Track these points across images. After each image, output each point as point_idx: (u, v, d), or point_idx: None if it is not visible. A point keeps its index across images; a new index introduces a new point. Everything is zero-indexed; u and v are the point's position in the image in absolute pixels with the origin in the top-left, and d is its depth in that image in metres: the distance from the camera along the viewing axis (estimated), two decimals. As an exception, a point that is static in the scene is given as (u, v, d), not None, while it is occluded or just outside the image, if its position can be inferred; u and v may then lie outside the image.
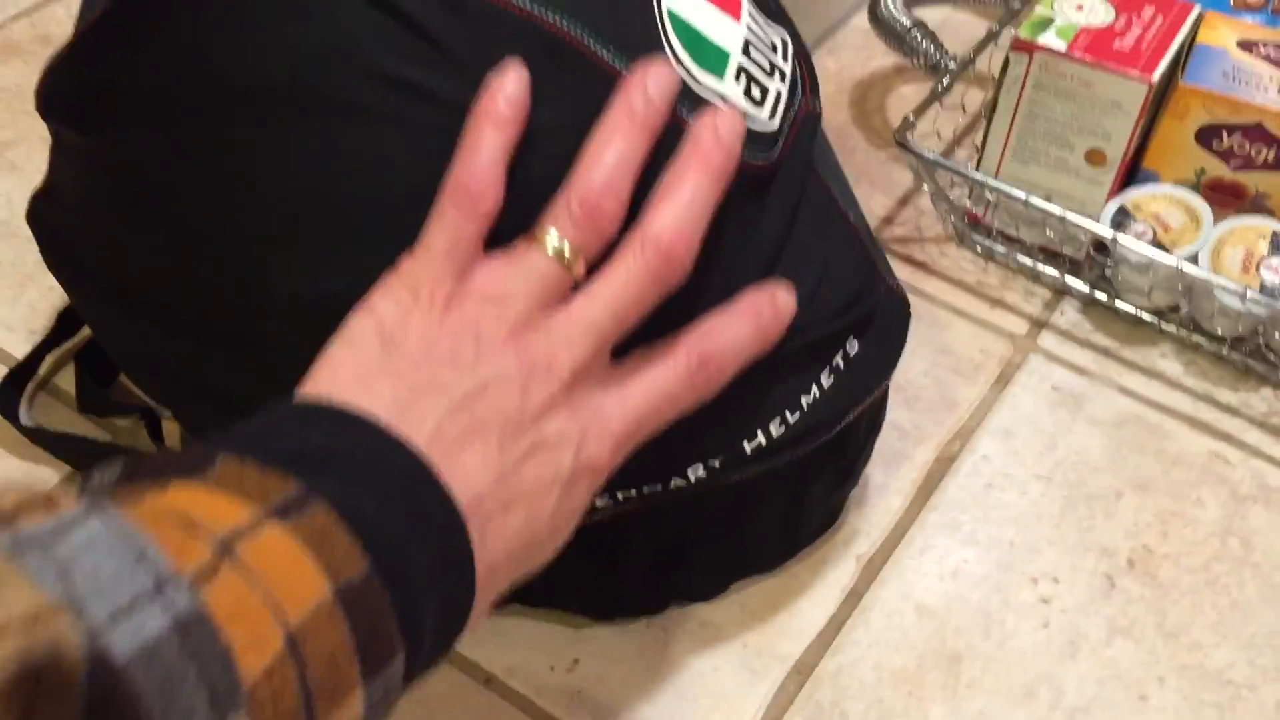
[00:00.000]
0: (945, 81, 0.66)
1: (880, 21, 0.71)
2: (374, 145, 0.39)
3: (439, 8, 0.38)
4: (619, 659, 0.51)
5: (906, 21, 0.70)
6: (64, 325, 0.58)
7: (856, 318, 0.46)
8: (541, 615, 0.51)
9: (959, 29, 0.81)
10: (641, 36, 0.40)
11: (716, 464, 0.44)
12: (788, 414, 0.45)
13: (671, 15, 0.41)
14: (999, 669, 0.51)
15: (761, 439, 0.45)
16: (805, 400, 0.45)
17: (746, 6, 0.44)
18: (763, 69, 0.43)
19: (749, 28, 0.44)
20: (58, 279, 0.50)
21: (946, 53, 0.69)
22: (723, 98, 0.41)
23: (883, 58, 0.78)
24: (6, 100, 0.72)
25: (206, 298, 0.43)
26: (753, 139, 0.42)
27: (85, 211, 0.46)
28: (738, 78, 0.42)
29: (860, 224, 0.49)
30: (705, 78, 0.41)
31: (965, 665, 0.51)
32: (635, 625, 0.51)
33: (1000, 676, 0.51)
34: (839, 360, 0.46)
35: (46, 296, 0.62)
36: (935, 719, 0.50)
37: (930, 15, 0.79)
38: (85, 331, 0.59)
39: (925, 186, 0.67)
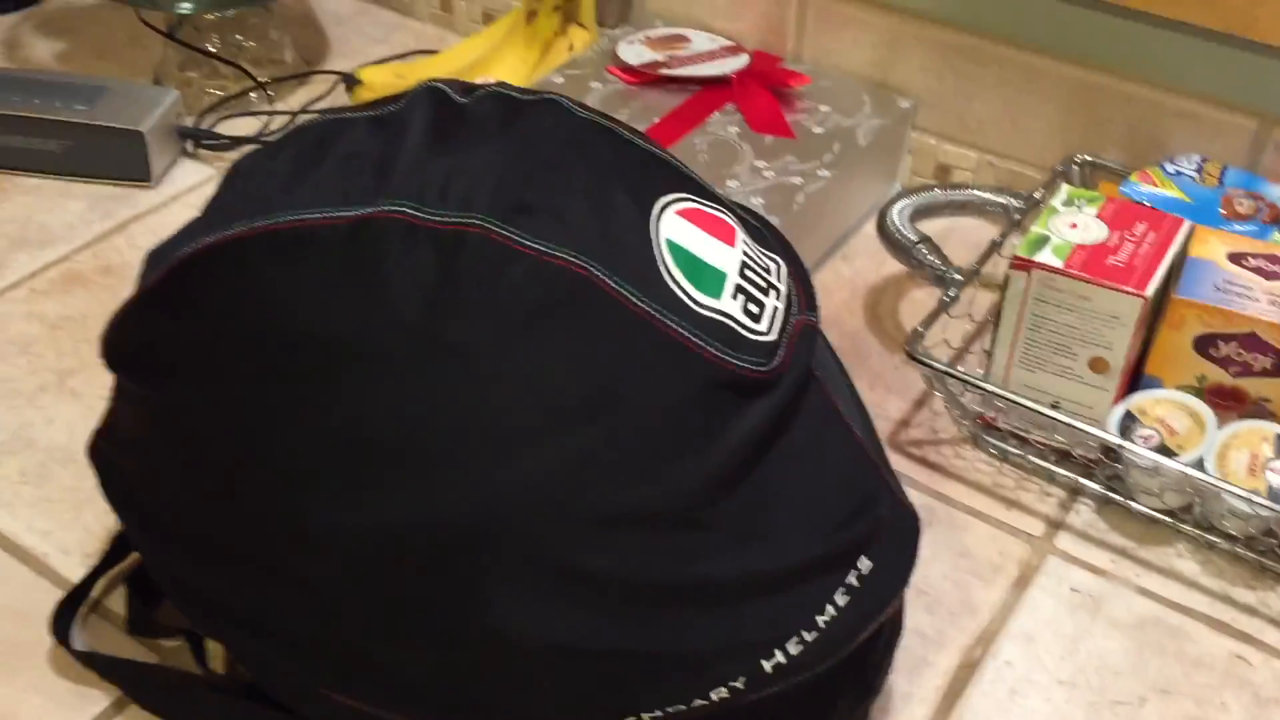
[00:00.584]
0: (951, 294, 0.69)
1: (887, 236, 0.75)
2: (402, 390, 0.43)
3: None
4: None
5: (912, 236, 0.74)
6: (117, 549, 0.61)
7: (865, 532, 0.48)
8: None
9: (966, 233, 0.85)
10: (644, 267, 0.44)
11: (740, 684, 0.46)
12: (804, 633, 0.46)
13: (670, 244, 0.45)
14: None
15: (781, 657, 0.46)
16: (821, 620, 0.47)
17: (741, 234, 0.48)
18: (759, 286, 0.47)
19: (744, 252, 0.47)
20: (112, 508, 0.54)
21: (951, 265, 0.72)
22: (722, 314, 0.45)
23: (894, 264, 0.82)
24: (70, 329, 0.77)
25: (247, 532, 0.46)
26: (752, 348, 0.45)
27: (137, 449, 0.50)
28: (735, 295, 0.46)
29: (868, 440, 0.51)
30: (703, 299, 0.45)
31: None
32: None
33: None
34: (852, 579, 0.48)
35: (101, 520, 0.65)
36: None
37: (936, 225, 0.83)
38: (135, 555, 0.62)
39: (937, 390, 0.69)
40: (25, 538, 0.64)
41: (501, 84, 0.49)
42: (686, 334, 0.44)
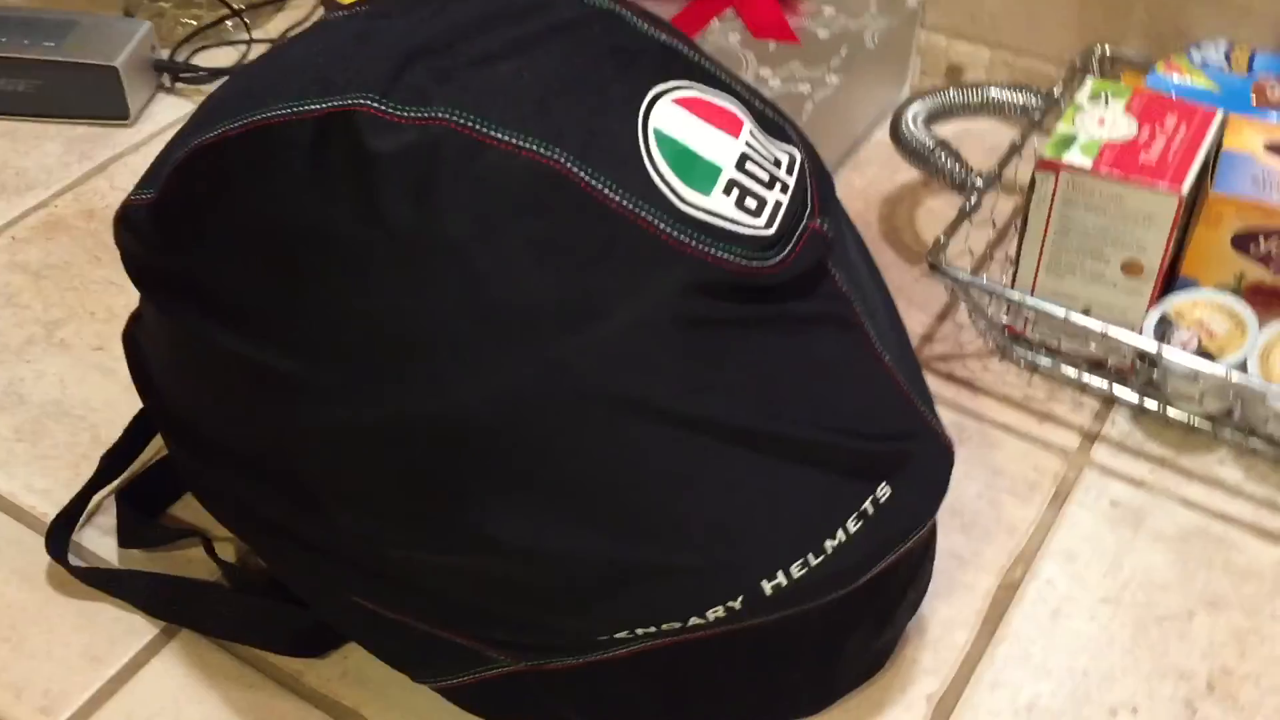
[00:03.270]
0: (973, 200, 0.66)
1: (902, 142, 0.72)
2: (368, 282, 0.41)
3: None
4: (692, 823, 0.50)
5: (929, 141, 0.70)
6: (107, 468, 0.60)
7: (887, 457, 0.46)
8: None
9: (982, 137, 0.81)
10: (628, 161, 0.41)
11: (737, 605, 0.44)
12: (811, 556, 0.44)
13: (658, 134, 0.42)
14: (1084, 810, 0.50)
15: (782, 578, 0.44)
16: (830, 544, 0.44)
17: (749, 124, 0.45)
18: (760, 181, 0.44)
19: (748, 144, 0.44)
20: (139, 393, 0.54)
21: (971, 170, 0.69)
22: (711, 211, 0.42)
23: (908, 171, 0.79)
24: (55, 278, 0.73)
25: (254, 435, 0.46)
26: (746, 243, 0.42)
27: (155, 346, 0.51)
28: (727, 191, 0.42)
29: (902, 368, 0.48)
30: (690, 195, 0.42)
31: (1049, 808, 0.50)
32: (706, 785, 0.50)
33: (1086, 818, 0.50)
34: (868, 505, 0.45)
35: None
36: None
37: (951, 128, 0.80)
38: (125, 473, 0.61)
39: (961, 301, 0.66)
40: (24, 498, 0.62)
41: None
42: (669, 231, 0.41)
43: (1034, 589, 0.57)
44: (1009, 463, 0.63)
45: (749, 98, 0.46)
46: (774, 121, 0.47)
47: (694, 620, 0.44)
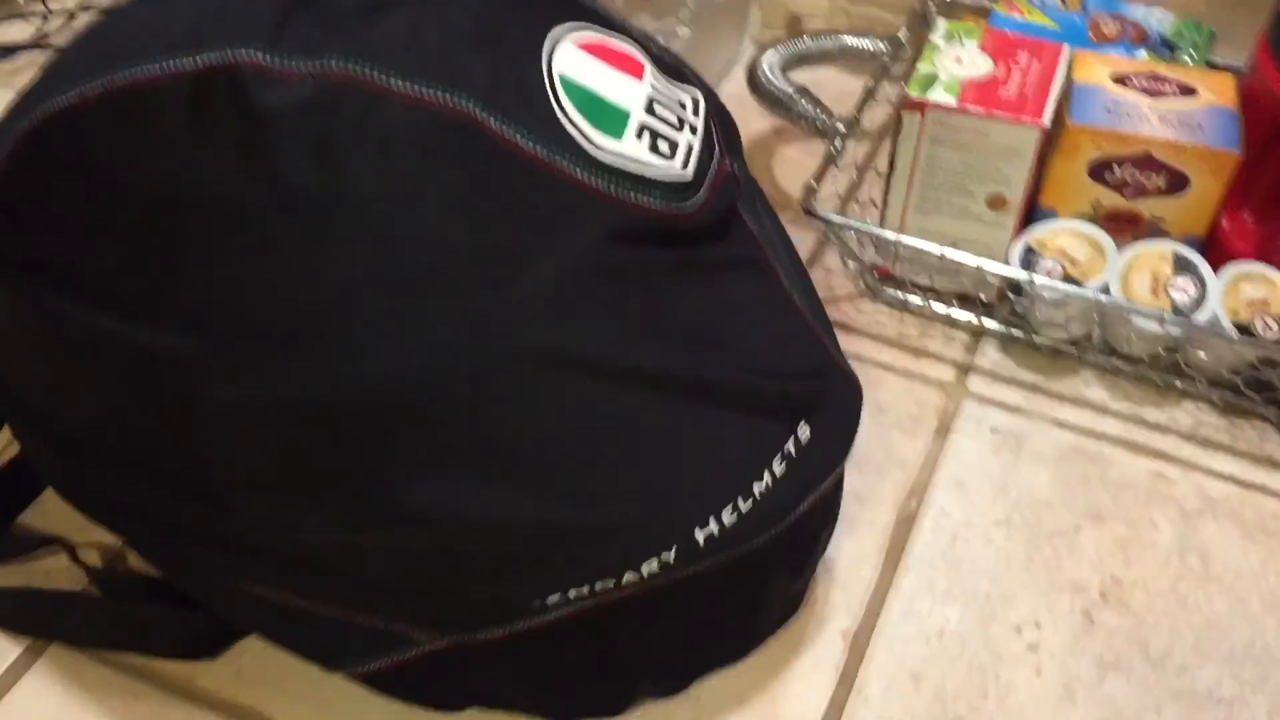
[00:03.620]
0: (839, 144, 0.66)
1: (761, 90, 0.72)
2: (268, 250, 0.38)
3: None
4: (628, 784, 0.49)
5: (789, 89, 0.70)
6: None
7: (805, 397, 0.46)
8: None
9: (827, 86, 0.82)
10: (536, 108, 0.39)
11: (670, 557, 0.43)
12: (740, 500, 0.43)
13: (564, 80, 0.40)
14: (1004, 726, 0.51)
15: (714, 526, 0.43)
16: (758, 487, 0.44)
17: (650, 68, 0.44)
18: (670, 124, 0.43)
19: (652, 86, 0.43)
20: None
21: (833, 115, 0.70)
22: (625, 156, 0.40)
23: (760, 122, 0.79)
24: None
25: (136, 424, 0.42)
26: (664, 189, 0.41)
27: (11, 348, 0.45)
28: (639, 135, 0.41)
29: (809, 307, 0.48)
30: (603, 140, 0.40)
31: (971, 728, 0.51)
32: (638, 744, 0.50)
33: (1006, 733, 0.51)
34: (790, 446, 0.45)
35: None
36: (954, 789, 0.49)
37: (801, 77, 0.80)
38: None
39: (831, 242, 0.67)
40: None
41: None
42: (585, 178, 0.39)
43: (930, 519, 0.58)
44: (891, 400, 0.64)
45: (644, 41, 0.45)
46: (670, 64, 0.46)
47: (628, 577, 0.43)
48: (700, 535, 0.43)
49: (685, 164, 0.42)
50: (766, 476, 0.44)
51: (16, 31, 0.84)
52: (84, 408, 0.43)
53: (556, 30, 0.41)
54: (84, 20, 0.84)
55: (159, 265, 0.39)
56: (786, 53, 0.73)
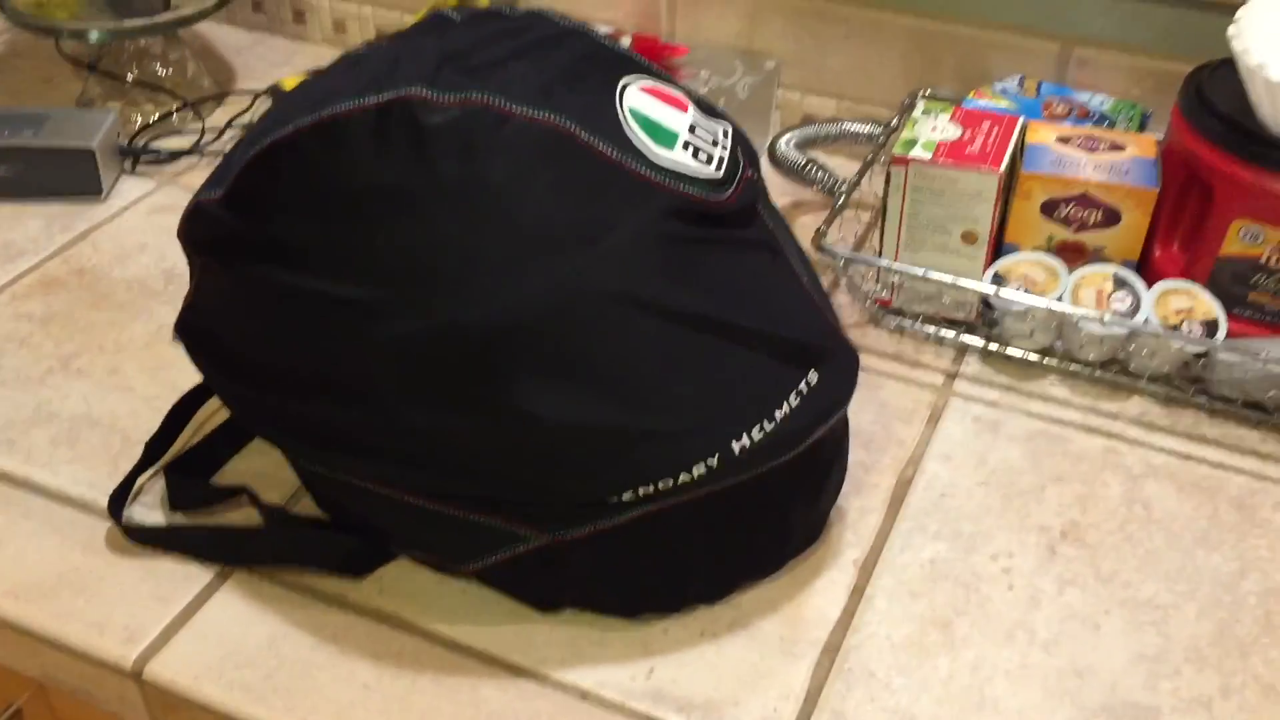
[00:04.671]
0: (842, 200, 0.83)
1: (778, 161, 0.89)
2: (445, 221, 0.54)
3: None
4: (683, 663, 0.62)
5: (802, 159, 0.87)
6: (151, 452, 0.71)
7: (814, 350, 0.60)
8: (601, 626, 0.63)
9: (834, 168, 0.99)
10: (613, 127, 0.56)
11: (714, 462, 0.57)
12: (765, 423, 0.58)
13: (631, 110, 0.58)
14: (982, 624, 0.64)
15: (747, 440, 0.57)
16: (779, 413, 0.58)
17: (692, 106, 0.61)
18: (706, 142, 0.60)
19: (694, 118, 0.60)
20: (200, 369, 0.64)
21: (839, 178, 0.86)
22: (676, 162, 0.57)
23: (779, 196, 0.96)
24: (60, 323, 0.83)
25: (325, 357, 0.57)
26: (704, 184, 0.58)
27: (227, 312, 0.61)
28: (685, 148, 0.58)
29: (814, 289, 0.64)
30: (659, 150, 0.57)
31: (956, 625, 0.64)
32: (689, 636, 0.63)
33: (984, 629, 0.64)
34: (803, 385, 0.59)
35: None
36: (942, 667, 0.62)
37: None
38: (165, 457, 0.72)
39: (842, 282, 0.83)
40: (73, 489, 0.71)
41: (497, 5, 0.61)
42: (648, 174, 0.56)
43: (923, 481, 0.72)
44: (892, 398, 0.79)
45: (689, 91, 0.62)
46: (707, 105, 0.63)
47: (682, 477, 0.57)
48: (736, 447, 0.57)
49: (718, 168, 0.58)
50: (785, 406, 0.59)
51: (176, 142, 1.03)
52: (280, 350, 0.58)
53: (626, 78, 0.58)
54: (231, 134, 1.04)
55: (349, 237, 0.55)
56: (799, 135, 0.90)
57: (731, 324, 0.57)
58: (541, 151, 0.55)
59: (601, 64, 0.59)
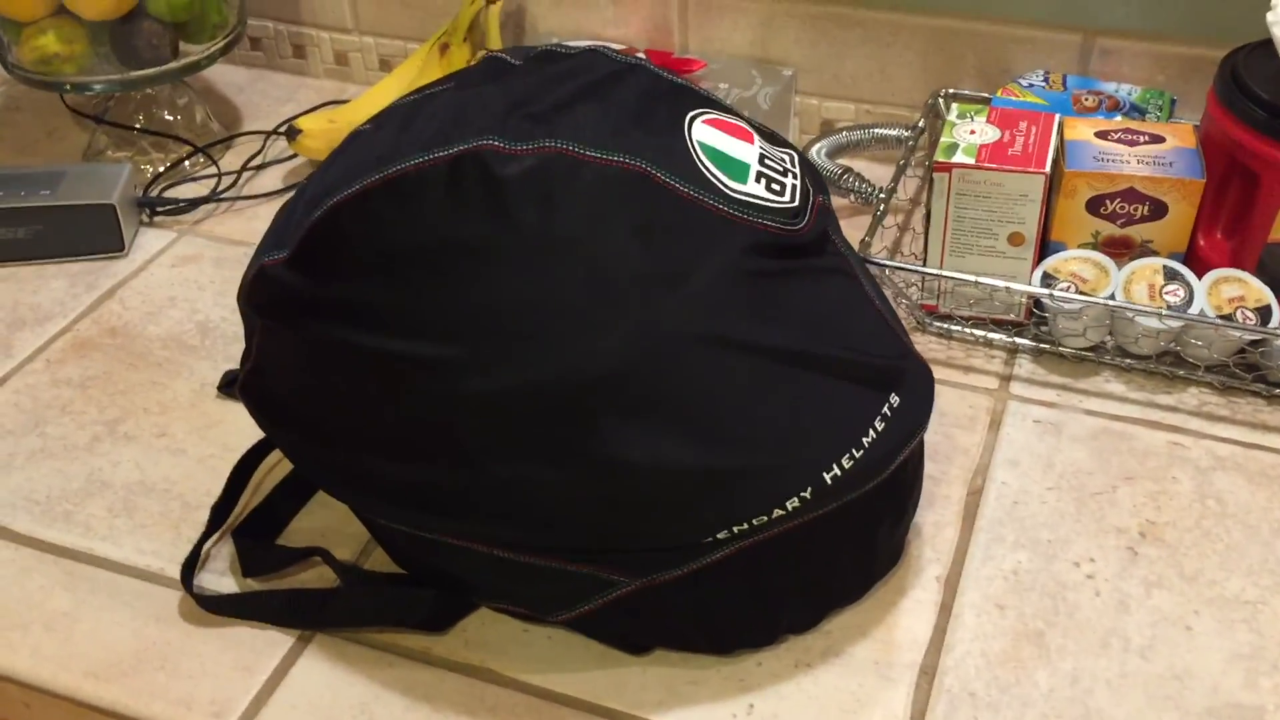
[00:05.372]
0: (881, 209, 0.82)
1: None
2: (524, 276, 0.53)
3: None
4: (782, 696, 0.61)
5: (836, 169, 0.87)
6: (217, 517, 0.70)
7: (893, 373, 0.60)
8: (694, 665, 0.62)
9: (861, 171, 0.99)
10: (686, 164, 0.55)
11: (808, 494, 0.57)
12: (854, 450, 0.57)
13: (701, 145, 0.57)
14: (1074, 634, 0.64)
15: (837, 470, 0.57)
16: (866, 440, 0.58)
17: (757, 136, 0.60)
18: (778, 172, 0.59)
19: (761, 148, 0.59)
20: (268, 431, 0.63)
21: (874, 186, 0.86)
22: (750, 195, 0.56)
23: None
24: (100, 386, 0.82)
25: (406, 417, 0.56)
26: (780, 214, 0.57)
27: (296, 374, 0.60)
28: (758, 180, 0.58)
29: (886, 310, 0.63)
30: (732, 184, 0.56)
31: (1049, 637, 0.64)
32: (784, 668, 0.63)
33: (1077, 639, 0.64)
34: (886, 409, 0.59)
35: (199, 530, 0.71)
36: (1042, 681, 0.62)
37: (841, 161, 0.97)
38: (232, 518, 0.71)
39: (886, 290, 0.82)
40: (138, 560, 0.70)
41: (551, 45, 0.60)
42: (726, 210, 0.55)
43: (994, 490, 0.72)
44: (949, 406, 0.78)
45: (750, 120, 0.62)
46: (770, 133, 0.62)
47: (776, 512, 0.56)
48: (828, 478, 0.57)
49: (792, 198, 0.58)
50: (871, 432, 0.58)
51: (192, 189, 1.01)
52: (359, 414, 0.57)
53: (691, 113, 0.58)
54: (247, 178, 1.02)
55: (428, 294, 0.54)
56: (831, 144, 0.90)
57: (815, 354, 0.57)
58: (620, 195, 0.54)
59: (665, 99, 0.58)
